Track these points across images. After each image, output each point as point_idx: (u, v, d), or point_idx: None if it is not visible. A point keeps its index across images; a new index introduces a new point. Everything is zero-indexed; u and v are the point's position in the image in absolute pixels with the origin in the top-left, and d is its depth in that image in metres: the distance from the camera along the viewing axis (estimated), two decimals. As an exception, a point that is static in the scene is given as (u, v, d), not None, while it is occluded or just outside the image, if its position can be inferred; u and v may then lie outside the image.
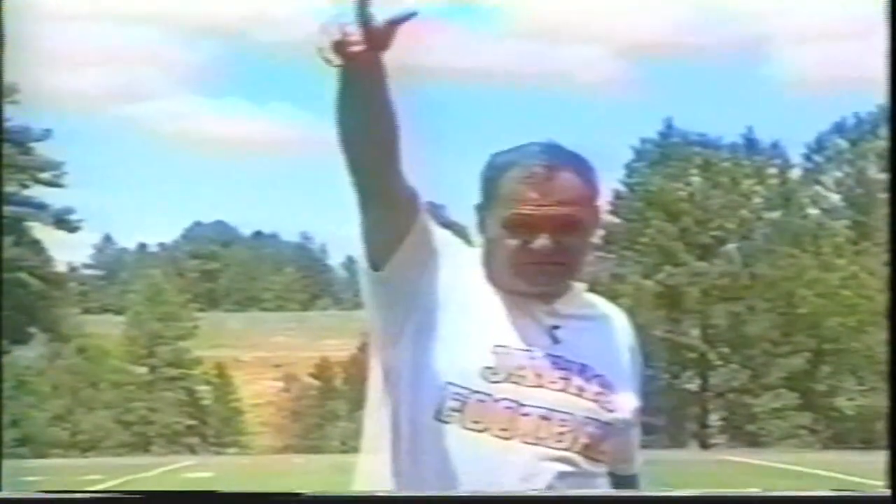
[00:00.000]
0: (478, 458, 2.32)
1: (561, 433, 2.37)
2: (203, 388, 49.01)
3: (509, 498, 2.35)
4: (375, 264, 2.38)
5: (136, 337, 48.36)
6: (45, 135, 46.17)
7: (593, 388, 2.42)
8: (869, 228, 46.41)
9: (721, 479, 24.16)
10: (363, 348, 50.42)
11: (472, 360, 2.34)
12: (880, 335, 40.81)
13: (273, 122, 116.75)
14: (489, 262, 2.42)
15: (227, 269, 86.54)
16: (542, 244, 2.33)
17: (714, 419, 47.89)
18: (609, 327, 2.57)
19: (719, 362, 47.48)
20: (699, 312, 47.60)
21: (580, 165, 2.40)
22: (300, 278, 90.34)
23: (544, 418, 2.35)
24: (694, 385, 48.37)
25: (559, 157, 2.38)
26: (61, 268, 52.09)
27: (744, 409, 45.93)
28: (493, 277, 2.42)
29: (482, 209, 2.41)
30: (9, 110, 40.47)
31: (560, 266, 2.38)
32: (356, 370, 49.02)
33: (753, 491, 2.79)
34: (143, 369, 47.21)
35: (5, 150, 42.19)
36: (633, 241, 48.74)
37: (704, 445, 45.11)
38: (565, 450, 2.37)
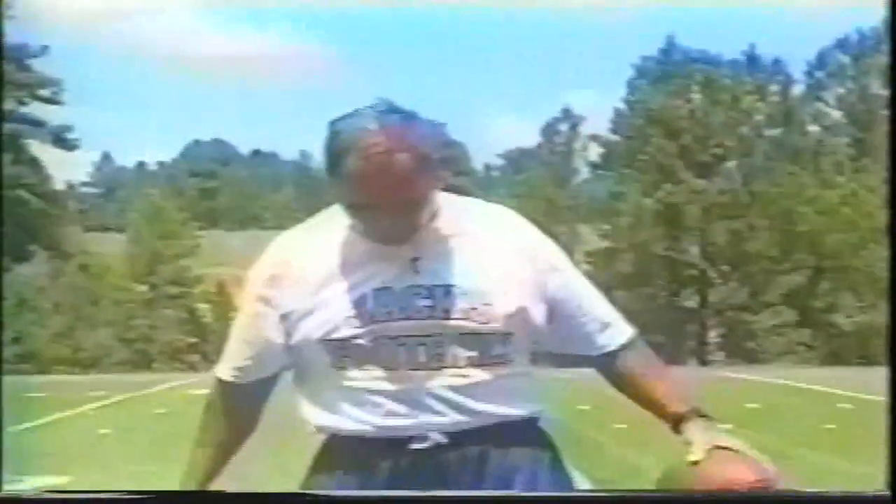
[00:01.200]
0: (378, 394, 2.54)
1: (438, 354, 2.52)
2: (204, 307, 49.16)
3: (510, 498, 2.49)
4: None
5: (136, 255, 48.44)
6: (43, 51, 45.94)
7: (461, 304, 2.52)
8: (870, 145, 46.31)
9: (719, 396, 24.31)
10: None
11: (336, 315, 2.53)
12: (879, 252, 40.89)
13: (273, 41, 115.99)
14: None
15: (227, 187, 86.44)
16: (387, 224, 2.48)
17: (713, 336, 48.12)
18: (483, 237, 2.61)
19: (719, 280, 47.62)
20: (699, 230, 47.66)
21: (415, 133, 2.47)
22: (299, 197, 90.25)
23: (420, 345, 2.51)
24: (693, 302, 48.55)
25: (394, 131, 2.45)
26: (60, 186, 52.12)
27: (743, 326, 46.15)
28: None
29: (330, 178, 2.51)
30: (5, 27, 40.20)
31: (409, 230, 2.50)
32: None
33: (754, 491, 2.86)
34: (144, 287, 47.33)
35: (4, 67, 41.96)
36: (633, 159, 48.67)
37: (703, 362, 45.37)
38: (451, 366, 2.52)
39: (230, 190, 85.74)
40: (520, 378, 2.62)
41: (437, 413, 2.51)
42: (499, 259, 2.59)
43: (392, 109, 2.49)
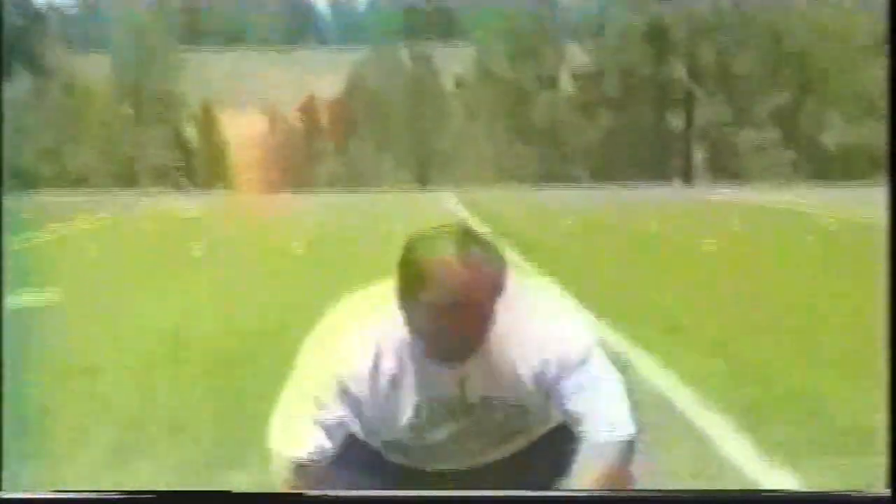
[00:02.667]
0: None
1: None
2: (188, 127, 48.93)
3: (510, 498, 2.54)
4: None
5: (120, 74, 47.97)
6: None
7: (497, 417, 2.71)
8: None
9: (704, 215, 24.46)
10: (348, 87, 50.20)
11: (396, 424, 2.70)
12: (868, 70, 40.69)
13: None
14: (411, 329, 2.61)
15: (212, 5, 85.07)
16: (452, 347, 2.56)
17: (699, 156, 48.15)
18: (528, 353, 2.67)
19: (705, 98, 47.41)
20: (686, 49, 47.26)
21: (490, 264, 2.52)
22: (284, 16, 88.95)
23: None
24: (679, 122, 48.43)
25: (473, 263, 2.49)
26: (41, 2, 51.27)
27: (728, 145, 46.14)
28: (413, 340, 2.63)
29: (402, 300, 2.55)
30: None
31: (469, 352, 2.58)
32: (341, 110, 48.92)
33: (753, 490, 2.88)
34: (128, 107, 47.01)
35: None
36: (622, -24, 47.95)
37: (688, 182, 45.48)
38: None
39: (215, 8, 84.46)
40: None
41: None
42: (531, 360, 2.65)
43: (466, 233, 2.54)
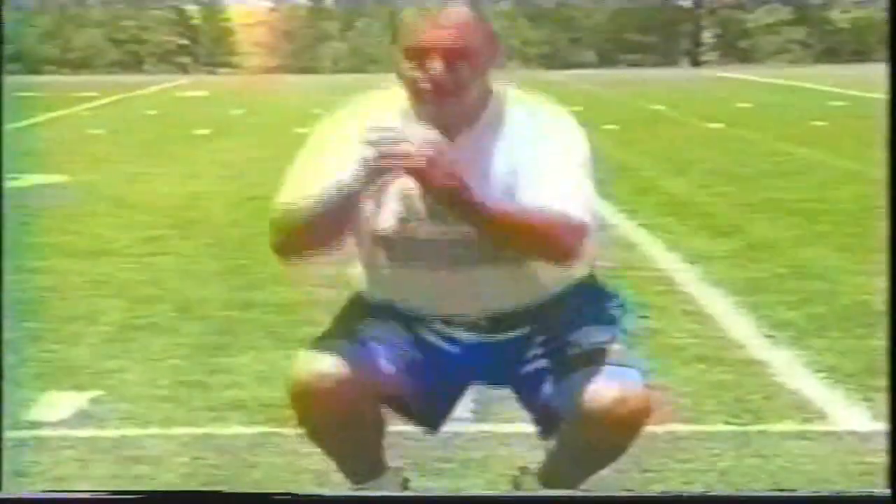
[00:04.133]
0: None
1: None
2: (193, 7, 48.50)
3: (509, 498, 2.56)
4: None
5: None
6: None
7: None
8: None
9: (712, 95, 24.33)
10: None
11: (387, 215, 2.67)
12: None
13: None
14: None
15: None
16: (433, 70, 2.52)
17: (707, 36, 47.69)
18: (520, 147, 2.66)
19: (714, -23, 46.86)
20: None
21: (472, 3, 2.59)
22: None
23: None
24: (687, 1, 47.91)
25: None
26: None
27: (737, 24, 45.69)
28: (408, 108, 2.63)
29: (393, 49, 2.60)
30: None
31: (454, 95, 2.56)
32: (347, -13, 48.37)
33: (754, 490, 2.88)
34: (131, -13, 46.54)
35: None
36: None
37: (697, 63, 45.13)
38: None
39: None
40: None
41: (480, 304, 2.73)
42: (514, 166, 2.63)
43: None
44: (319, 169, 2.64)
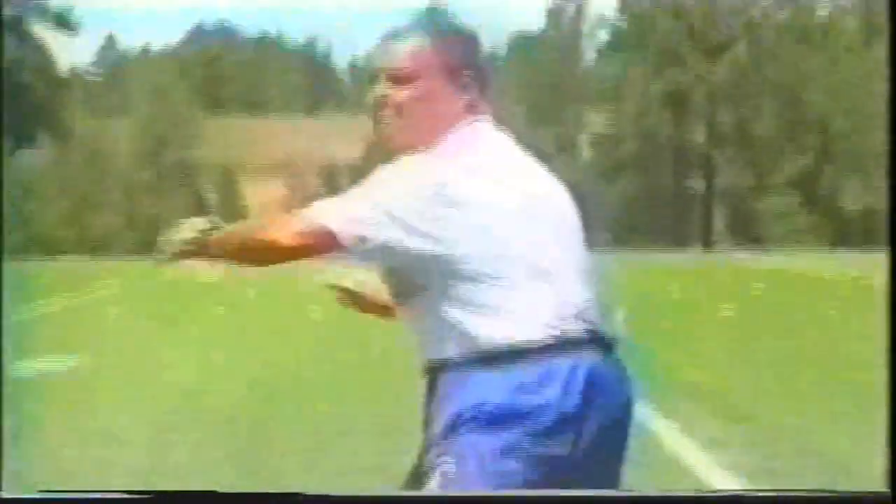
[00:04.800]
0: None
1: None
2: (209, 192, 49.20)
3: (510, 498, 2.47)
4: None
5: (142, 140, 48.35)
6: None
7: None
8: (879, 27, 45.83)
9: (724, 279, 24.41)
10: (368, 152, 50.39)
11: None
12: (885, 135, 40.70)
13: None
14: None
15: (232, 72, 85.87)
16: (376, 90, 2.63)
17: (718, 220, 48.14)
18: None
19: (725, 163, 47.50)
20: (705, 114, 47.42)
21: (444, 34, 2.67)
22: (306, 82, 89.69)
23: None
24: (699, 186, 48.48)
25: (428, 25, 2.68)
26: (64, 69, 51.80)
27: (748, 210, 46.15)
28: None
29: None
30: None
31: (395, 117, 2.62)
32: (361, 174, 49.04)
33: (753, 491, 2.86)
34: (150, 173, 47.32)
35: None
36: (640, 44, 48.25)
37: (708, 246, 45.44)
38: None
39: (235, 75, 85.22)
40: None
41: None
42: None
43: (440, 13, 2.67)
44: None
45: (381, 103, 2.61)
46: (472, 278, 2.47)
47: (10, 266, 20.31)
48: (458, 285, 2.48)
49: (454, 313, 2.48)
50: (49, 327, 12.91)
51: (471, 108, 2.63)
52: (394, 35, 2.66)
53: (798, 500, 2.54)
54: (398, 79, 2.61)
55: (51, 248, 40.52)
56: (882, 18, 45.69)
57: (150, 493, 2.41)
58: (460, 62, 2.64)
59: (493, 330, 2.46)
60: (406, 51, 2.62)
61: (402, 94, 2.60)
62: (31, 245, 38.81)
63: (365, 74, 2.71)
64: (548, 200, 2.66)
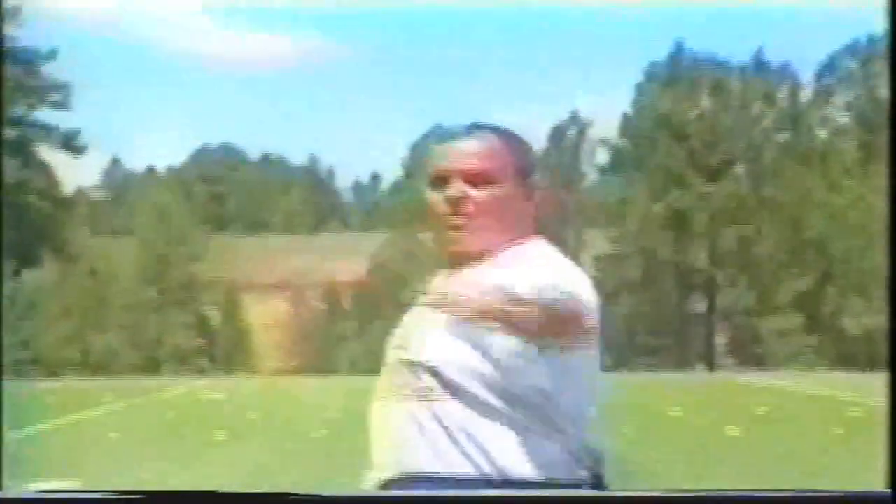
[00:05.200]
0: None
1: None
2: (212, 311, 49.24)
3: (510, 498, 2.44)
4: None
5: (145, 259, 48.53)
6: (51, 55, 45.99)
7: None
8: (878, 150, 46.24)
9: (728, 400, 24.30)
10: (371, 271, 50.55)
11: None
12: (886, 261, 40.83)
13: (283, 44, 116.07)
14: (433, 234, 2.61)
15: (235, 191, 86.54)
16: (452, 191, 2.50)
17: (721, 341, 48.07)
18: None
19: (726, 284, 47.58)
20: (707, 235, 47.63)
21: (506, 136, 2.59)
22: (308, 201, 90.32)
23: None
24: (701, 307, 48.50)
25: (483, 128, 2.58)
26: (70, 190, 52.21)
27: (750, 330, 46.11)
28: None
29: (425, 185, 2.59)
30: (15, 31, 40.28)
31: (471, 217, 2.51)
32: (364, 292, 49.18)
33: (753, 491, 2.85)
34: (153, 292, 47.41)
35: (12, 71, 42.06)
36: (641, 164, 48.67)
37: (711, 367, 45.31)
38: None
39: (239, 194, 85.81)
40: None
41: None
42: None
43: (485, 123, 2.60)
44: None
45: (457, 204, 2.50)
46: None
47: (11, 386, 20.26)
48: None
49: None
50: (48, 448, 12.83)
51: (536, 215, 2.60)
52: (456, 135, 2.56)
53: (798, 500, 2.49)
54: (476, 179, 2.51)
55: (53, 368, 40.46)
56: (879, 140, 46.14)
57: (145, 493, 2.37)
58: (527, 166, 2.58)
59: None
60: (483, 150, 2.53)
61: (482, 194, 2.51)
62: (34, 365, 38.75)
63: (421, 174, 2.59)
64: None
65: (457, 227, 2.51)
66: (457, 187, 2.50)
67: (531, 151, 2.63)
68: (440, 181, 2.53)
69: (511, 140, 2.57)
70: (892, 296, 2.67)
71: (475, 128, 2.57)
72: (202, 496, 2.55)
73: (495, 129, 2.58)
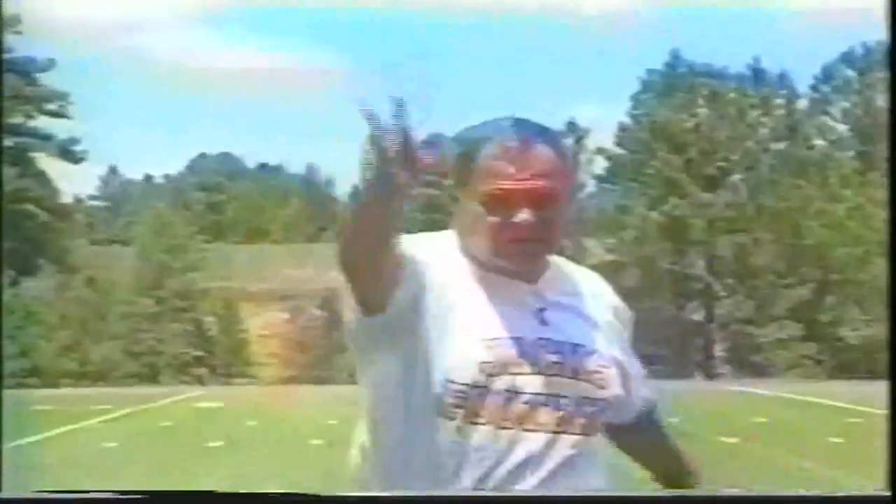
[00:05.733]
0: (484, 450, 2.30)
1: (560, 417, 2.34)
2: (210, 320, 49.19)
3: (507, 498, 2.35)
4: (371, 311, 2.36)
5: (143, 269, 48.49)
6: (50, 64, 46.04)
7: (587, 366, 2.39)
8: (875, 159, 46.29)
9: (726, 409, 24.29)
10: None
11: (468, 355, 2.30)
12: (885, 266, 40.87)
13: (280, 54, 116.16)
14: (467, 241, 2.40)
15: (233, 201, 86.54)
16: (523, 219, 2.31)
17: (719, 350, 48.06)
18: (593, 298, 2.52)
19: (724, 293, 47.57)
20: (704, 244, 47.63)
21: (551, 138, 2.39)
22: (306, 210, 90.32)
23: (543, 405, 2.32)
24: (699, 316, 48.49)
25: (531, 131, 2.36)
26: (67, 199, 52.23)
27: (749, 339, 46.09)
28: (473, 257, 2.39)
29: (457, 187, 2.38)
30: (13, 41, 40.30)
31: (541, 241, 2.36)
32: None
33: (753, 491, 2.83)
34: (151, 301, 47.37)
35: (11, 81, 42.08)
36: (639, 173, 48.69)
37: (709, 376, 45.29)
38: (565, 432, 2.34)
39: (237, 203, 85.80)
40: (601, 452, 2.48)
41: (540, 484, 2.32)
42: (609, 322, 2.51)
43: (524, 120, 2.41)
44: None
45: (526, 229, 2.32)
46: None
47: (7, 395, 20.23)
48: None
49: None
50: (44, 458, 12.81)
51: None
52: (509, 139, 2.32)
53: (798, 500, 2.47)
54: (543, 200, 2.33)
55: (50, 377, 40.41)
56: (877, 150, 46.17)
57: (146, 493, 2.35)
58: (573, 179, 2.44)
59: None
60: (551, 167, 2.34)
61: (548, 216, 2.34)
62: (31, 375, 38.71)
63: (463, 178, 2.35)
64: None
65: (528, 253, 2.35)
66: (527, 211, 2.31)
67: (570, 156, 2.46)
68: (501, 202, 2.32)
69: (562, 148, 2.40)
70: (892, 301, 2.65)
71: (527, 133, 2.35)
72: (203, 496, 2.54)
73: (545, 135, 2.38)
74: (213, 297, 49.85)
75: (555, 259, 2.48)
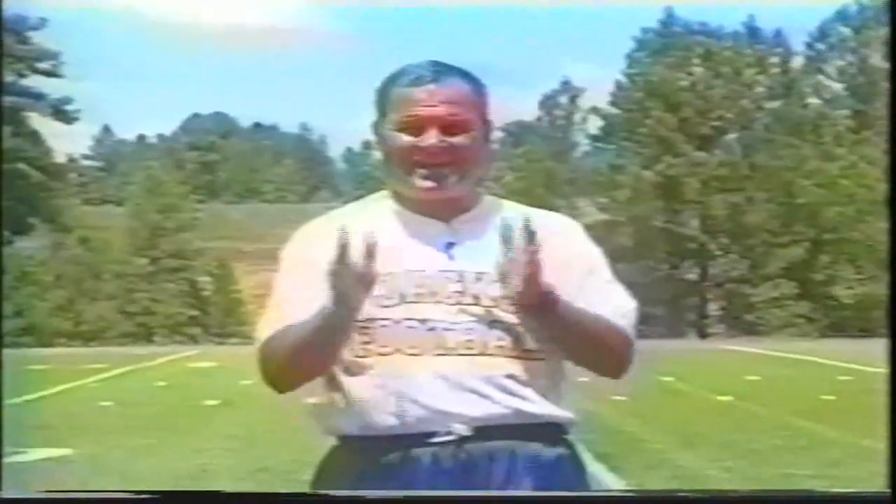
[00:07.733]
0: (399, 379, 2.41)
1: (468, 341, 2.42)
2: (204, 280, 49.22)
3: (507, 498, 2.41)
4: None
5: (137, 228, 48.47)
6: (41, 23, 45.83)
7: (490, 293, 2.43)
8: (870, 118, 46.25)
9: (719, 368, 24.36)
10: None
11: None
12: (879, 224, 40.93)
13: (274, 13, 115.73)
14: (389, 172, 2.53)
15: (227, 160, 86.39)
16: (430, 143, 2.44)
17: (713, 309, 48.19)
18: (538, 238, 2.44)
19: (718, 252, 47.66)
20: (698, 203, 47.67)
21: (466, 75, 2.53)
22: (300, 170, 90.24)
23: (448, 329, 2.42)
24: (693, 275, 48.59)
25: (446, 67, 2.52)
26: (60, 159, 52.12)
27: (742, 298, 46.21)
28: (394, 192, 2.55)
29: (379, 123, 2.53)
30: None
31: (450, 165, 2.46)
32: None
33: (753, 491, 2.83)
34: (145, 260, 47.39)
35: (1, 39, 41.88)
36: (633, 132, 48.65)
37: (703, 335, 45.43)
38: (479, 354, 2.42)
39: (230, 163, 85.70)
40: (555, 377, 2.52)
41: (467, 404, 2.40)
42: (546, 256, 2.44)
43: (442, 62, 2.52)
44: (301, 293, 2.52)
45: (438, 152, 2.44)
46: None
47: (4, 355, 20.26)
48: None
49: None
50: (40, 417, 12.84)
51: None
52: (424, 78, 2.46)
53: (798, 500, 2.50)
54: (454, 127, 2.45)
55: (45, 336, 40.46)
56: (872, 108, 46.12)
57: (153, 494, 2.37)
58: (488, 116, 2.53)
59: None
60: (459, 96, 2.47)
61: (459, 142, 2.45)
62: (26, 334, 38.74)
63: (385, 118, 2.50)
64: None
65: (435, 176, 2.45)
66: (435, 134, 2.43)
67: (489, 95, 2.55)
68: (413, 127, 2.45)
69: (478, 85, 2.52)
70: (892, 294, 2.67)
71: (441, 68, 2.49)
72: (214, 496, 2.60)
73: (461, 72, 2.51)
74: (207, 257, 49.87)
75: (488, 200, 2.57)
